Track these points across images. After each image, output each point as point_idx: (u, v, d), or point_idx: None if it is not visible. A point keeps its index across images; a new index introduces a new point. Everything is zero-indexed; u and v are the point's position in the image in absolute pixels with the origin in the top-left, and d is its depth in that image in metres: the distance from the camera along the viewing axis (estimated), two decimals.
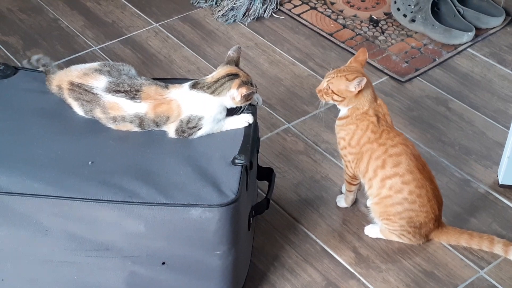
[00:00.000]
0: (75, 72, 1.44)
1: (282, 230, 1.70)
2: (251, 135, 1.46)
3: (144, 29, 2.30)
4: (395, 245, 1.67)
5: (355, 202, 1.77)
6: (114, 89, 1.40)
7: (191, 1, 2.42)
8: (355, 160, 1.60)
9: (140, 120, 1.41)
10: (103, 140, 1.40)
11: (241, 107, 1.46)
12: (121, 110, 1.40)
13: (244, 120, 1.47)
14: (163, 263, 1.36)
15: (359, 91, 1.53)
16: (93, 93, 1.41)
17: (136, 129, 1.42)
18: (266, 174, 1.64)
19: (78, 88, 1.42)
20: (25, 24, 2.30)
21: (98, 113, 1.41)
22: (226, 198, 1.31)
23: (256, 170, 1.60)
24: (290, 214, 1.74)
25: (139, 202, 1.29)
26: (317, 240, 1.68)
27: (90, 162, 1.34)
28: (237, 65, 1.48)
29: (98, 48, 2.20)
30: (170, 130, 1.43)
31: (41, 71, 1.52)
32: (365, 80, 1.51)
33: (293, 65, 2.19)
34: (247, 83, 1.44)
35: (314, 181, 1.83)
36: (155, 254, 1.35)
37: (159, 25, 2.32)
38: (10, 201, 1.29)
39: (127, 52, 2.19)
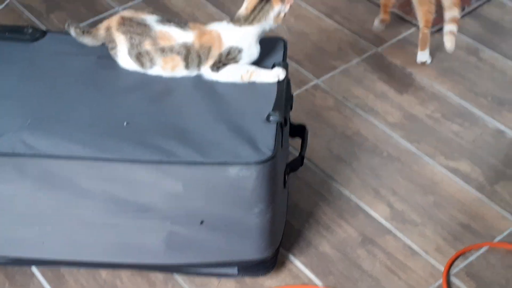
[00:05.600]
0: (126, 12, 1.47)
1: (316, 187, 1.69)
2: (285, 91, 1.44)
3: None
4: (430, 199, 1.66)
5: (388, 158, 1.75)
6: (166, 20, 1.43)
7: None
8: None
9: (187, 51, 1.40)
10: (137, 100, 1.39)
11: (274, 64, 1.45)
12: (171, 40, 1.40)
13: (275, 74, 1.45)
14: (202, 222, 1.35)
15: None
16: (145, 25, 1.41)
17: (181, 64, 1.42)
18: (299, 131, 1.62)
19: (129, 21, 1.43)
20: None
21: (147, 45, 1.41)
22: (263, 156, 1.30)
23: (288, 127, 1.58)
24: (323, 171, 1.73)
25: (176, 162, 1.29)
26: (351, 196, 1.67)
27: (125, 123, 1.33)
28: None
29: (121, 8, 2.17)
30: (207, 68, 1.42)
31: (69, 33, 1.50)
32: None
33: (319, 19, 2.15)
34: None
35: (346, 136, 1.81)
36: (193, 213, 1.34)
37: None
38: (48, 164, 1.29)
39: (150, 11, 2.16)
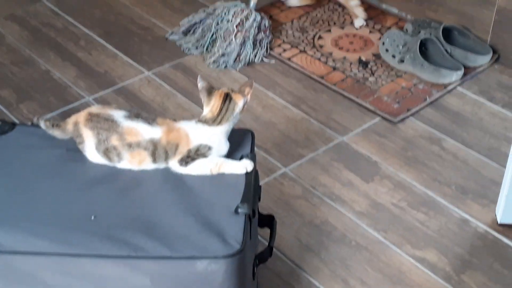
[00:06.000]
0: (93, 107, 1.49)
1: (285, 278, 1.69)
2: (253, 183, 1.46)
3: (136, 77, 2.31)
4: None
5: (356, 247, 1.76)
6: (134, 116, 1.45)
7: (182, 49, 2.44)
8: None
9: (154, 147, 1.42)
10: (105, 193, 1.39)
11: (242, 156, 1.47)
12: (138, 135, 1.42)
13: (243, 166, 1.47)
14: None
15: None
16: (112, 120, 1.43)
17: (148, 159, 1.43)
18: (267, 221, 1.63)
19: (96, 117, 1.44)
20: (17, 77, 2.29)
21: (114, 141, 1.42)
22: (231, 249, 1.30)
23: (257, 219, 1.59)
24: (292, 261, 1.73)
25: (144, 256, 1.28)
26: (320, 287, 1.67)
27: (92, 217, 1.33)
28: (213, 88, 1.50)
29: (91, 99, 2.20)
30: (175, 162, 1.43)
31: (39, 126, 1.51)
32: None
33: (286, 109, 2.20)
34: (234, 90, 1.49)
35: (314, 225, 1.82)
36: None
37: (151, 73, 2.33)
38: (13, 261, 1.27)
39: (120, 101, 2.19)
